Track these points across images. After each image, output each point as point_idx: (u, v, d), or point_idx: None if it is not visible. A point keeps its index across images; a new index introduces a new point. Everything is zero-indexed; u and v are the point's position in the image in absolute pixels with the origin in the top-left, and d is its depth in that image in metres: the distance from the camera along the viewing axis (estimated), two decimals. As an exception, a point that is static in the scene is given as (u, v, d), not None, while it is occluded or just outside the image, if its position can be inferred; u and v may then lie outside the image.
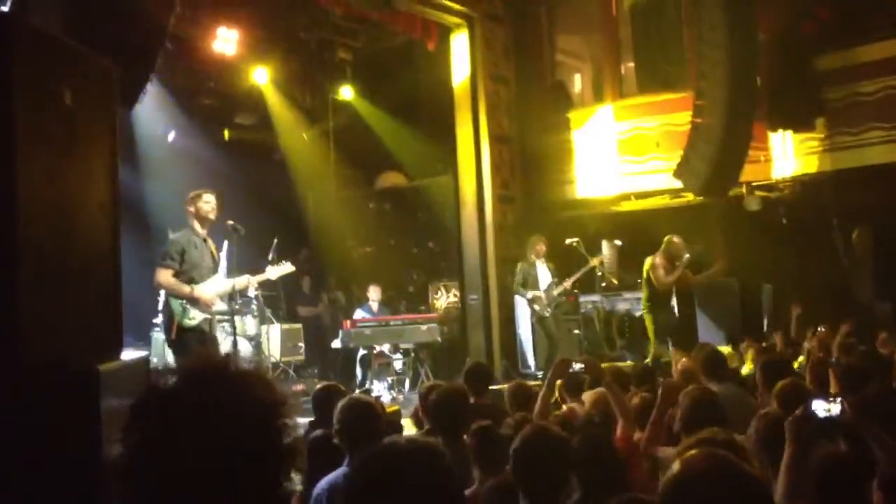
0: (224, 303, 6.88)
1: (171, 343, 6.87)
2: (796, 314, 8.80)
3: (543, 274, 10.42)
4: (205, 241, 6.80)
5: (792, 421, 3.08)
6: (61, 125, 2.80)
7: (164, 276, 6.55)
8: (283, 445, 1.43)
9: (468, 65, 11.59)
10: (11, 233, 2.52)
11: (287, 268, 7.49)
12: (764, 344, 8.16)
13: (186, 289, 6.56)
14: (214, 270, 6.81)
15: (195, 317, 6.58)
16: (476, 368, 6.12)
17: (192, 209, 6.76)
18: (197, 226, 6.74)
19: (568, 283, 10.45)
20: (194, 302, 6.56)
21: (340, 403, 3.96)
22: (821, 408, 3.02)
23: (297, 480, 5.01)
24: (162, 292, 7.08)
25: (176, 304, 6.64)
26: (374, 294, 11.70)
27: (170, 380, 1.44)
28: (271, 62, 12.01)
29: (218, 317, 7.30)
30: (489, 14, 11.77)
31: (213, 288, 6.73)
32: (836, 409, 3.01)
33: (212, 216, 6.77)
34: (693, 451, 1.82)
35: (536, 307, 10.25)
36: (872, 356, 6.47)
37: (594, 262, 10.46)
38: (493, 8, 11.85)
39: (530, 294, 10.26)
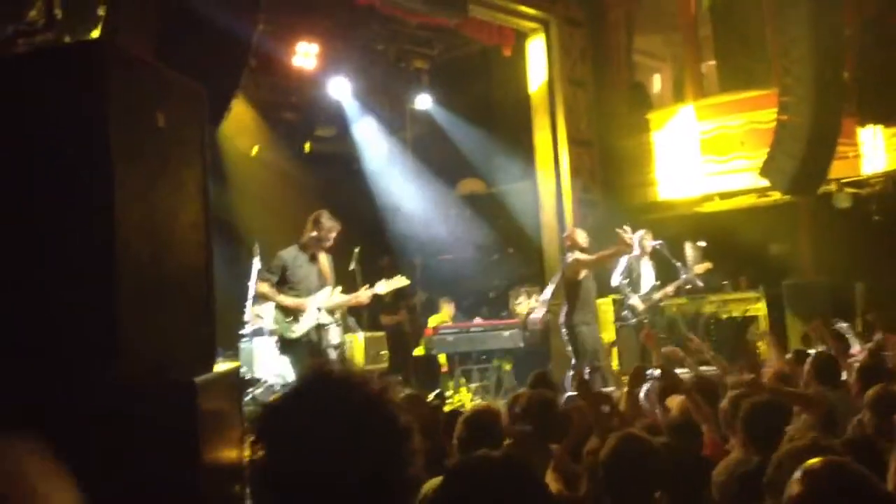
0: (328, 317, 7.00)
1: (279, 353, 7.12)
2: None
3: (648, 273, 9.90)
4: (313, 257, 6.92)
5: None
6: (154, 147, 2.91)
7: (261, 286, 6.81)
8: (403, 434, 1.46)
9: (545, 69, 11.56)
10: (111, 249, 2.62)
11: (401, 280, 7.53)
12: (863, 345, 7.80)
13: (281, 297, 6.75)
14: (322, 286, 6.94)
15: (296, 329, 6.74)
16: (539, 378, 6.09)
17: (313, 233, 6.86)
18: (308, 245, 6.88)
19: (670, 290, 9.84)
20: (294, 312, 6.73)
21: (463, 416, 3.97)
22: None
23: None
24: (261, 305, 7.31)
25: (278, 317, 6.84)
26: (447, 309, 11.74)
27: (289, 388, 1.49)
28: (349, 74, 12.19)
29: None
30: (565, 18, 11.72)
31: (318, 302, 6.85)
32: None
33: (325, 244, 6.89)
34: (816, 462, 1.73)
35: (633, 313, 9.75)
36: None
37: (699, 269, 9.98)
38: (569, 11, 11.79)
39: (634, 298, 9.72)
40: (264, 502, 1.43)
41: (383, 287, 7.34)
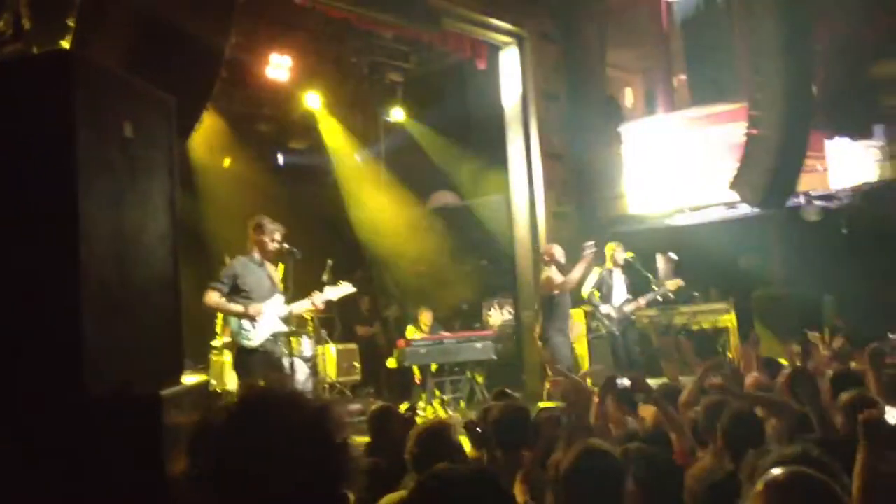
0: (283, 325, 6.95)
1: (235, 364, 7.00)
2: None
3: (619, 286, 10.03)
4: (262, 265, 6.88)
5: (866, 423, 2.98)
6: (122, 158, 2.89)
7: (210, 297, 6.65)
8: (342, 463, 1.46)
9: (519, 82, 11.63)
10: (75, 262, 2.60)
11: (347, 288, 7.53)
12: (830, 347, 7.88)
13: (233, 306, 6.65)
14: (273, 294, 6.89)
15: (253, 338, 6.66)
16: (501, 395, 6.10)
17: (256, 238, 6.83)
18: (255, 252, 6.83)
19: (643, 302, 9.97)
20: (250, 319, 6.64)
21: (415, 430, 3.97)
22: (892, 415, 2.95)
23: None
24: (220, 315, 7.19)
25: (234, 325, 6.76)
26: (425, 319, 11.74)
27: (226, 404, 1.48)
28: (323, 87, 12.19)
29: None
30: (539, 32, 11.80)
31: (273, 310, 6.80)
32: None
33: (271, 254, 6.83)
34: (779, 473, 1.75)
35: (606, 322, 9.90)
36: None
37: (671, 285, 10.05)
38: (542, 26, 11.87)
39: (605, 308, 9.86)
40: None
41: (333, 294, 7.33)
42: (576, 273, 8.98)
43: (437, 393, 10.66)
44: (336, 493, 1.45)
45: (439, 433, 3.94)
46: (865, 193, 10.59)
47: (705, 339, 10.88)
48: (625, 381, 5.17)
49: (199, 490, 1.39)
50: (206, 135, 10.27)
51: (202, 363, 10.45)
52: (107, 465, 2.55)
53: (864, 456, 2.91)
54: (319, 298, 7.23)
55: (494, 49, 11.75)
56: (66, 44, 5.20)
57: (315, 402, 1.50)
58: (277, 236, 6.79)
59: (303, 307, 7.21)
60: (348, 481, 1.48)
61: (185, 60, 5.44)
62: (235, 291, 6.71)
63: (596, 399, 4.67)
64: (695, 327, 11.12)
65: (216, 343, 10.66)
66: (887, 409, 3.03)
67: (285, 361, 6.93)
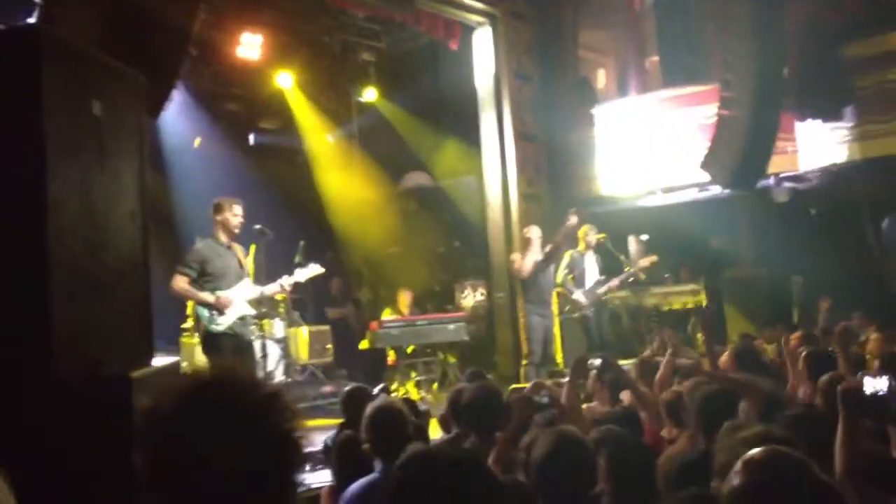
0: (252, 308, 6.90)
1: (204, 348, 6.94)
2: (825, 307, 8.70)
3: (592, 268, 10.04)
4: (229, 248, 6.82)
5: (845, 393, 3.02)
6: (90, 136, 2.84)
7: (178, 282, 6.58)
8: (291, 450, 1.46)
9: (492, 63, 11.58)
10: (43, 243, 2.56)
11: (316, 269, 7.50)
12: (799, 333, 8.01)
13: (202, 294, 6.59)
14: (241, 277, 6.84)
15: (222, 322, 6.62)
16: (476, 375, 6.12)
17: (218, 218, 6.77)
18: (221, 234, 6.76)
19: (615, 283, 9.98)
20: (217, 307, 6.59)
21: (367, 410, 3.99)
22: (869, 385, 2.98)
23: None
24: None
25: (201, 311, 6.71)
26: (403, 300, 11.73)
27: (173, 390, 1.47)
28: (295, 66, 12.07)
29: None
30: (512, 12, 11.75)
31: (241, 294, 6.76)
32: (883, 385, 2.96)
33: (236, 230, 6.78)
34: (757, 452, 1.75)
35: (577, 306, 9.89)
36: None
37: (645, 262, 10.13)
38: (515, 6, 11.83)
39: (578, 293, 9.83)
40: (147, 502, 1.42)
41: (302, 275, 7.30)
42: (528, 261, 9.03)
43: (413, 374, 10.68)
44: (285, 480, 1.45)
45: (392, 414, 3.95)
46: (834, 175, 10.69)
47: (676, 320, 10.98)
48: (596, 362, 5.20)
49: (148, 478, 1.39)
50: (176, 113, 10.11)
51: (173, 345, 10.36)
52: (75, 447, 2.52)
53: (844, 427, 2.95)
54: (288, 281, 7.20)
55: (468, 29, 11.69)
56: (31, 20, 5.09)
57: (265, 389, 1.49)
58: (238, 211, 6.74)
59: (271, 290, 7.17)
60: (297, 469, 1.48)
61: (153, 37, 5.36)
62: (202, 275, 6.65)
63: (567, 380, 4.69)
64: (665, 308, 11.21)
65: (187, 325, 10.58)
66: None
67: (256, 344, 6.90)
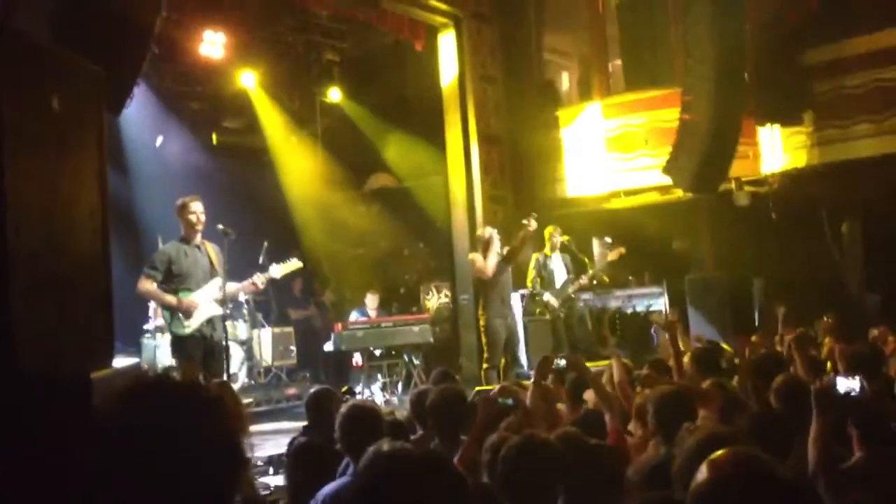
0: (219, 308, 6.83)
1: (172, 350, 6.89)
2: (782, 313, 8.75)
3: (559, 268, 10.14)
4: (198, 247, 6.75)
5: (819, 392, 3.04)
6: (49, 131, 2.78)
7: (143, 284, 6.53)
8: (233, 456, 1.45)
9: (456, 65, 11.59)
10: (1, 239, 2.50)
11: (295, 264, 7.42)
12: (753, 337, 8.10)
13: (167, 297, 6.53)
14: (211, 276, 6.77)
15: (189, 325, 6.55)
16: (443, 376, 6.10)
17: (182, 219, 6.71)
18: (189, 234, 6.70)
19: (584, 280, 10.15)
20: (180, 310, 6.52)
21: (341, 410, 3.93)
22: (843, 385, 3.02)
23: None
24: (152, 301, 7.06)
25: (166, 314, 6.64)
26: (371, 302, 11.69)
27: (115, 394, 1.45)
28: (258, 65, 11.96)
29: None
30: (476, 13, 11.77)
31: (209, 295, 6.68)
32: (856, 385, 3.00)
33: (199, 227, 6.72)
34: (722, 453, 1.75)
35: (548, 309, 9.97)
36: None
37: (612, 255, 10.29)
38: (479, 7, 11.84)
39: (547, 295, 9.92)
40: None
41: (278, 271, 7.24)
42: (491, 261, 9.01)
43: (381, 377, 10.66)
44: (227, 483, 1.44)
45: (365, 415, 3.90)
46: (793, 178, 10.84)
47: (639, 323, 11.05)
48: (561, 362, 5.20)
49: (93, 482, 1.37)
50: (138, 112, 9.96)
51: (134, 346, 10.23)
52: (34, 446, 2.46)
53: (818, 424, 2.99)
54: (261, 278, 7.12)
55: (433, 30, 11.69)
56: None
57: (208, 393, 1.48)
58: (196, 208, 6.69)
59: (243, 287, 7.11)
60: (238, 472, 1.47)
61: (114, 34, 5.27)
62: (169, 277, 6.58)
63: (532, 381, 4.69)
64: (629, 311, 11.27)
65: (148, 326, 10.45)
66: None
67: (222, 345, 6.84)
